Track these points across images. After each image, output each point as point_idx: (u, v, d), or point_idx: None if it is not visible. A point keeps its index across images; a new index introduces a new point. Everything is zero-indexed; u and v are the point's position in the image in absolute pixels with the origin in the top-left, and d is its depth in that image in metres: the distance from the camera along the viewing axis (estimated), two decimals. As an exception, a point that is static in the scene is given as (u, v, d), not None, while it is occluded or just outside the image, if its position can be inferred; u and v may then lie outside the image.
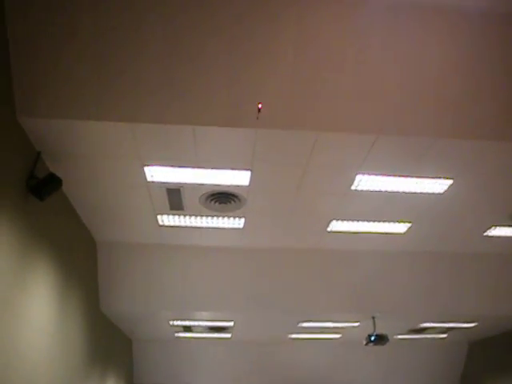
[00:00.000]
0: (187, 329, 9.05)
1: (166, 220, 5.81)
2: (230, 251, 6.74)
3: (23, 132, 3.76)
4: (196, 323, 8.48)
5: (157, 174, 4.61)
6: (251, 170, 4.55)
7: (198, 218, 5.71)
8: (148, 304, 6.78)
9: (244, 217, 5.70)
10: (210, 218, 5.70)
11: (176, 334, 9.59)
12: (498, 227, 6.16)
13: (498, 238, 6.48)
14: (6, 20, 3.28)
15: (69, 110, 3.59)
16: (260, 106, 3.59)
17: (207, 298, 6.79)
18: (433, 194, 5.09)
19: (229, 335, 9.62)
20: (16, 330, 3.75)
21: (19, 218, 3.74)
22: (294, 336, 9.83)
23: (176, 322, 8.28)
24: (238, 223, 5.89)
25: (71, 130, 3.83)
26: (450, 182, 4.82)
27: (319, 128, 3.88)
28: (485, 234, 6.37)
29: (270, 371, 10.85)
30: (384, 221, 5.92)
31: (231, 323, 8.42)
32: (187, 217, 5.70)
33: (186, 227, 6.00)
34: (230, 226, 5.96)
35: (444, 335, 9.94)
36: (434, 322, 8.65)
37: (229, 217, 5.68)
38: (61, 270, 4.87)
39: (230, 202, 5.23)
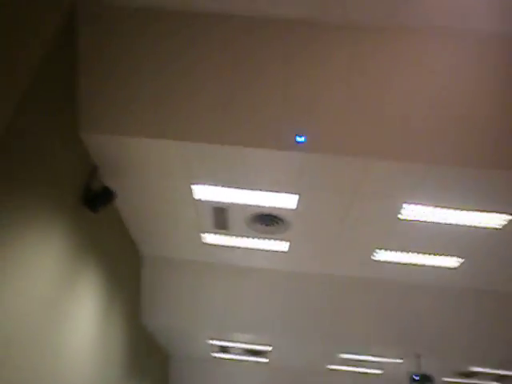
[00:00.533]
0: (224, 349, 8.97)
1: (211, 238, 5.86)
2: (273, 274, 6.67)
3: (83, 146, 3.97)
4: (234, 344, 8.40)
5: (204, 192, 4.68)
6: (299, 194, 4.52)
7: (244, 238, 5.71)
8: (187, 320, 6.81)
9: (289, 240, 5.64)
10: (254, 239, 5.69)
11: (213, 354, 9.53)
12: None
13: None
14: (78, 48, 3.61)
15: (127, 128, 3.81)
16: (303, 138, 3.66)
17: (247, 319, 6.72)
18: (490, 228, 4.81)
19: (266, 360, 9.44)
20: (64, 335, 3.87)
21: (73, 228, 3.90)
22: (332, 367, 9.49)
23: (214, 342, 8.24)
24: (283, 246, 5.83)
25: (127, 146, 4.01)
26: None
27: (369, 155, 3.81)
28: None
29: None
30: (434, 254, 5.65)
31: (269, 348, 8.27)
32: (232, 236, 5.72)
33: (229, 247, 6.02)
34: (275, 248, 5.91)
35: (497, 383, 9.23)
36: (486, 367, 8.06)
37: (274, 239, 5.65)
38: (107, 279, 5.01)
39: (275, 225, 5.21)
